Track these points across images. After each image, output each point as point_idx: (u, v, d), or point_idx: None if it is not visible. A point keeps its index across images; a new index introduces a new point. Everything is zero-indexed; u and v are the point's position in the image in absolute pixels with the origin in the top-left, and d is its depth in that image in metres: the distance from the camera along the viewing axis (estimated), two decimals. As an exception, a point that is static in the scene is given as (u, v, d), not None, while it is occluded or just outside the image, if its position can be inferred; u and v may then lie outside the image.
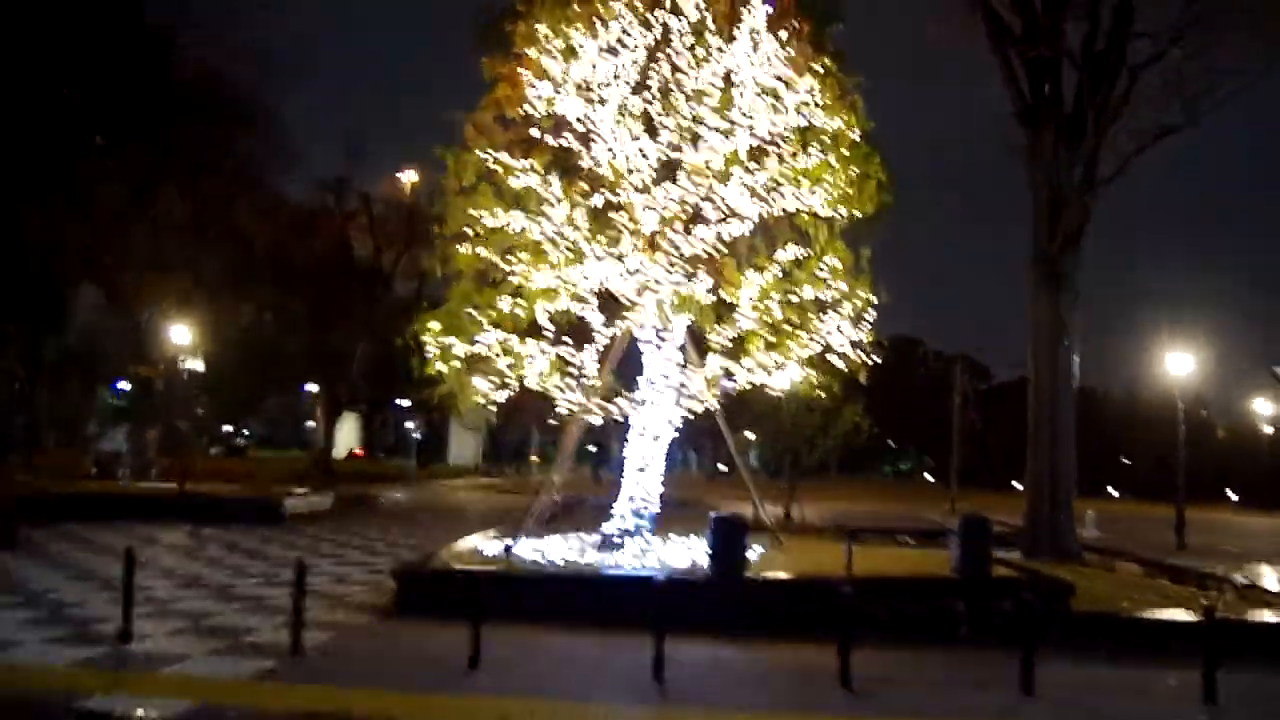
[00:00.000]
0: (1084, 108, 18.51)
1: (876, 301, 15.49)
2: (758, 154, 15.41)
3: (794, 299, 15.21)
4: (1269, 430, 55.99)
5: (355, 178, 51.19)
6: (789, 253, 15.62)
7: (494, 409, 16.31)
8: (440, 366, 15.49)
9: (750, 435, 38.14)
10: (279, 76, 40.65)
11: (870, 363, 15.57)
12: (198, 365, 41.68)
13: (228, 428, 72.85)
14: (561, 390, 15.50)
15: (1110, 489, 78.07)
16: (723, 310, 15.32)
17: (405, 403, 70.23)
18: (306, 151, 62.80)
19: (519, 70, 16.01)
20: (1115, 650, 11.45)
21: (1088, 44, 18.64)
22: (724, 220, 15.40)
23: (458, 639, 9.54)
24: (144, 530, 21.24)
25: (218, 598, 13.23)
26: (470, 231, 15.91)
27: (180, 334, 35.84)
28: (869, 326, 15.49)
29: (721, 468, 77.31)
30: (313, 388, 61.15)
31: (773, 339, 14.96)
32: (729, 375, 15.28)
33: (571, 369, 15.25)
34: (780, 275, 15.17)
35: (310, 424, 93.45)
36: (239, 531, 21.76)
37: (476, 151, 16.03)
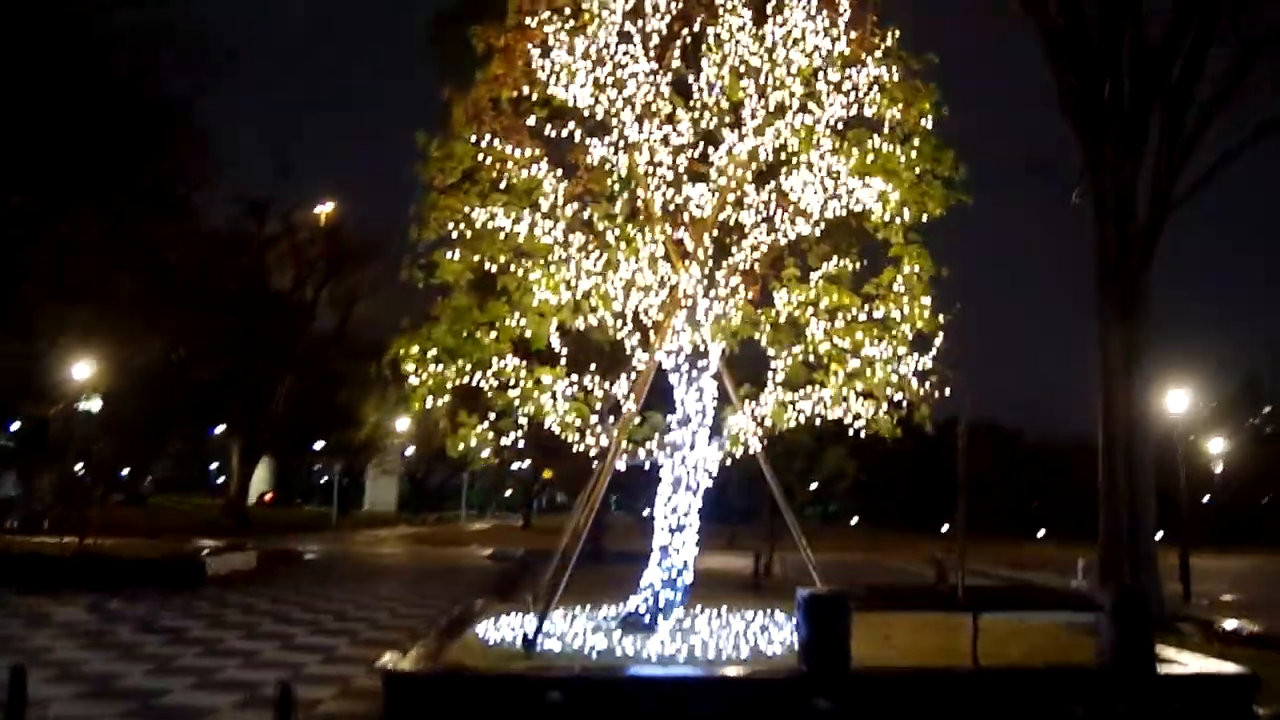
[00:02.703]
0: (1149, 110, 16.42)
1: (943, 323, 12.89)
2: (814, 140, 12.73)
3: (863, 316, 12.50)
4: (1219, 470, 55.41)
5: (279, 200, 47.24)
6: (846, 261, 13.00)
7: (491, 453, 13.15)
8: (428, 401, 12.39)
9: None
10: (200, 77, 36.32)
11: (934, 398, 12.89)
12: (96, 403, 37.24)
13: (127, 471, 67.18)
14: (583, 431, 12.50)
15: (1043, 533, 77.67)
16: (784, 331, 12.53)
17: (320, 444, 65.83)
18: (228, 169, 57.94)
19: (524, 42, 13.14)
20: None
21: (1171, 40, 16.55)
22: (776, 222, 12.65)
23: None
24: (34, 603, 17.39)
25: (143, 717, 9.75)
26: (457, 234, 12.97)
27: (81, 368, 31.67)
28: (936, 355, 12.84)
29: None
30: (221, 428, 56.63)
31: (847, 365, 12.20)
32: (794, 408, 12.46)
33: (596, 402, 12.28)
34: (851, 288, 12.45)
35: (214, 466, 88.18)
36: (153, 601, 18.04)
37: (467, 139, 13.17)
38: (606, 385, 12.48)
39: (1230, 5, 16.59)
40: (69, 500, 34.38)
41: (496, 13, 13.69)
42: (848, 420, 12.38)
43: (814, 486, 29.86)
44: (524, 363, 12.25)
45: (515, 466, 78.57)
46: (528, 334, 12.35)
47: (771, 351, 12.52)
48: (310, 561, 29.87)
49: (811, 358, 12.38)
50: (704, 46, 12.86)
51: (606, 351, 13.19)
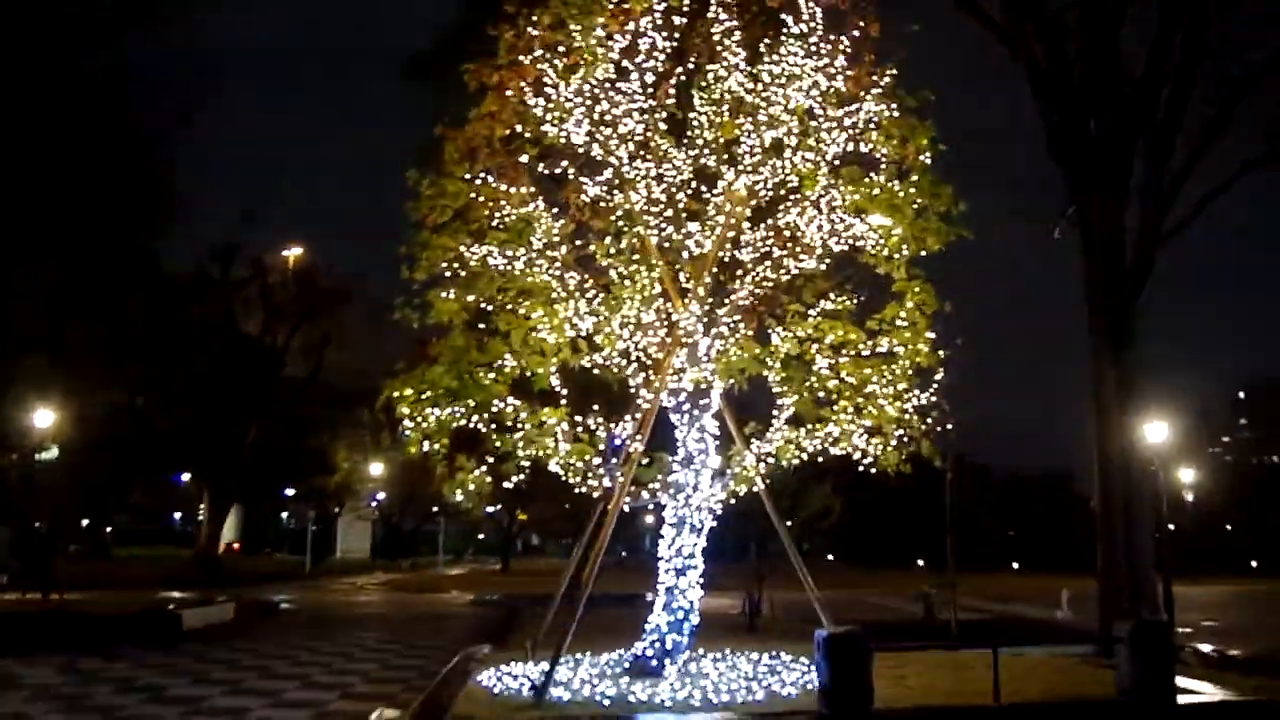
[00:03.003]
0: (1131, 149, 16.59)
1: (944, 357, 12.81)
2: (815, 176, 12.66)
3: (867, 352, 12.39)
4: (1190, 499, 56.03)
5: (248, 244, 46.57)
6: (845, 297, 12.92)
7: (487, 497, 12.82)
8: (424, 445, 12.08)
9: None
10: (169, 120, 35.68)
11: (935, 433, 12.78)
12: (54, 452, 36.27)
13: (87, 522, 65.51)
14: (585, 473, 12.22)
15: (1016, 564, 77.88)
16: (793, 368, 12.38)
17: (291, 491, 64.71)
18: (199, 213, 57.15)
19: (517, 79, 13.02)
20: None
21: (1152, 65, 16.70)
22: (775, 259, 12.55)
23: None
24: (1, 665, 16.68)
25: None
26: (450, 273, 12.77)
27: (39, 418, 30.85)
28: (938, 391, 12.74)
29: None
30: (187, 476, 55.51)
31: (855, 401, 12.05)
32: (798, 446, 12.27)
33: (600, 443, 12.04)
34: (854, 321, 12.35)
35: (178, 516, 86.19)
36: (130, 660, 17.35)
37: (460, 176, 13.04)
38: (610, 425, 12.24)
39: (1209, 48, 16.83)
40: (29, 554, 33.31)
41: (480, 51, 13.61)
42: (855, 456, 12.20)
43: (789, 524, 29.53)
44: (525, 404, 11.98)
45: (490, 510, 77.99)
46: (528, 374, 12.10)
47: (779, 388, 12.33)
48: (289, 612, 29.11)
49: (820, 393, 12.21)
50: (700, 84, 12.83)
51: (613, 390, 12.95)
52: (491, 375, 11.95)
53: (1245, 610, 36.55)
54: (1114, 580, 15.97)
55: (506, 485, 12.12)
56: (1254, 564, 76.46)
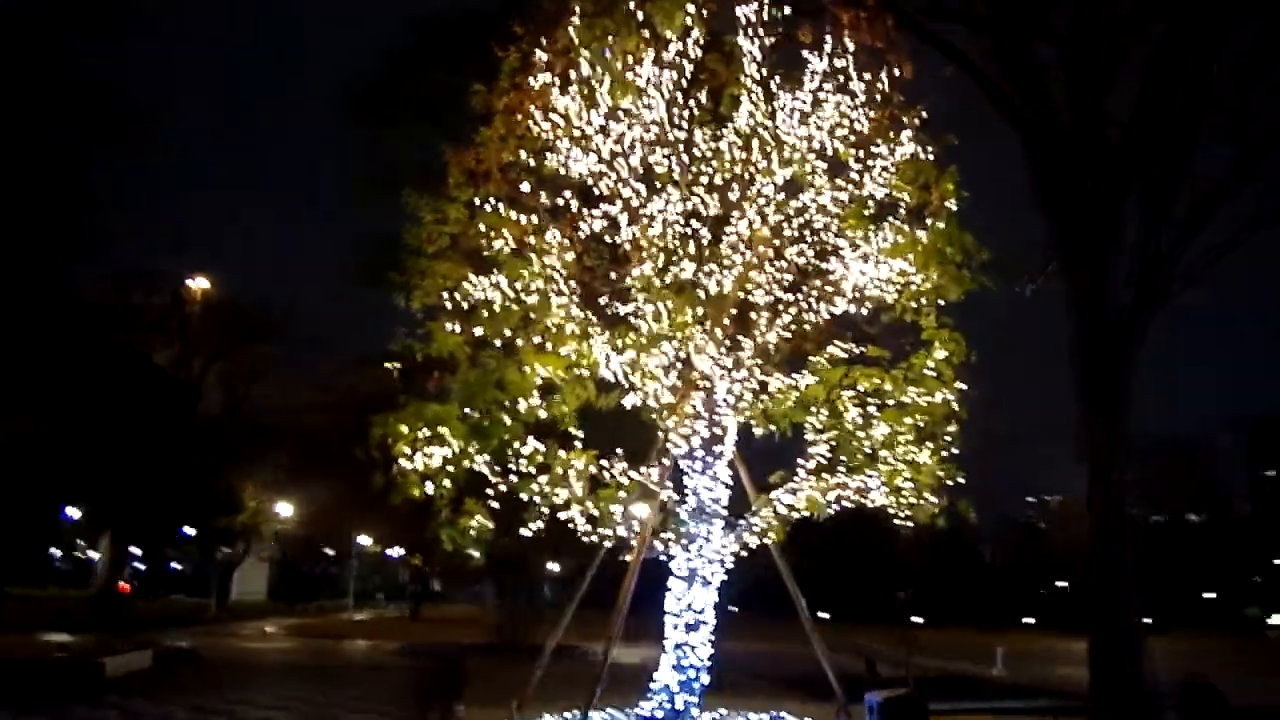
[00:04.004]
0: (1118, 209, 16.67)
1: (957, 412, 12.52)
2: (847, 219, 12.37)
3: (892, 403, 12.02)
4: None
5: (167, 275, 44.30)
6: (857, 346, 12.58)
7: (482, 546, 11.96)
8: (424, 487, 11.25)
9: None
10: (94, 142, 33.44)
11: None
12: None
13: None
14: (596, 521, 11.52)
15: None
16: (836, 416, 11.92)
17: (191, 530, 61.57)
18: (119, 241, 53.78)
19: (526, 103, 12.48)
20: None
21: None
22: (800, 302, 12.17)
23: None
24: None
25: None
26: (451, 304, 12.09)
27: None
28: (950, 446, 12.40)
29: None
30: (76, 511, 52.41)
31: (896, 450, 11.66)
32: (825, 496, 11.80)
33: (633, 489, 11.38)
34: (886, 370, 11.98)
35: (57, 552, 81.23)
36: (49, 713, 15.86)
37: (462, 202, 12.42)
38: (634, 472, 11.59)
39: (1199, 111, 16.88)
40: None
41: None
42: (892, 509, 11.76)
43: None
44: (553, 446, 11.24)
45: (392, 553, 75.33)
46: (545, 415, 11.40)
47: (811, 435, 11.84)
48: (209, 660, 27.25)
49: (853, 442, 11.76)
50: (720, 114, 12.46)
51: (639, 435, 12.30)
52: (504, 415, 11.18)
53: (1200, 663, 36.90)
54: (1106, 636, 15.86)
55: (525, 533, 11.31)
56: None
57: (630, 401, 11.89)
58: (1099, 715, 15.69)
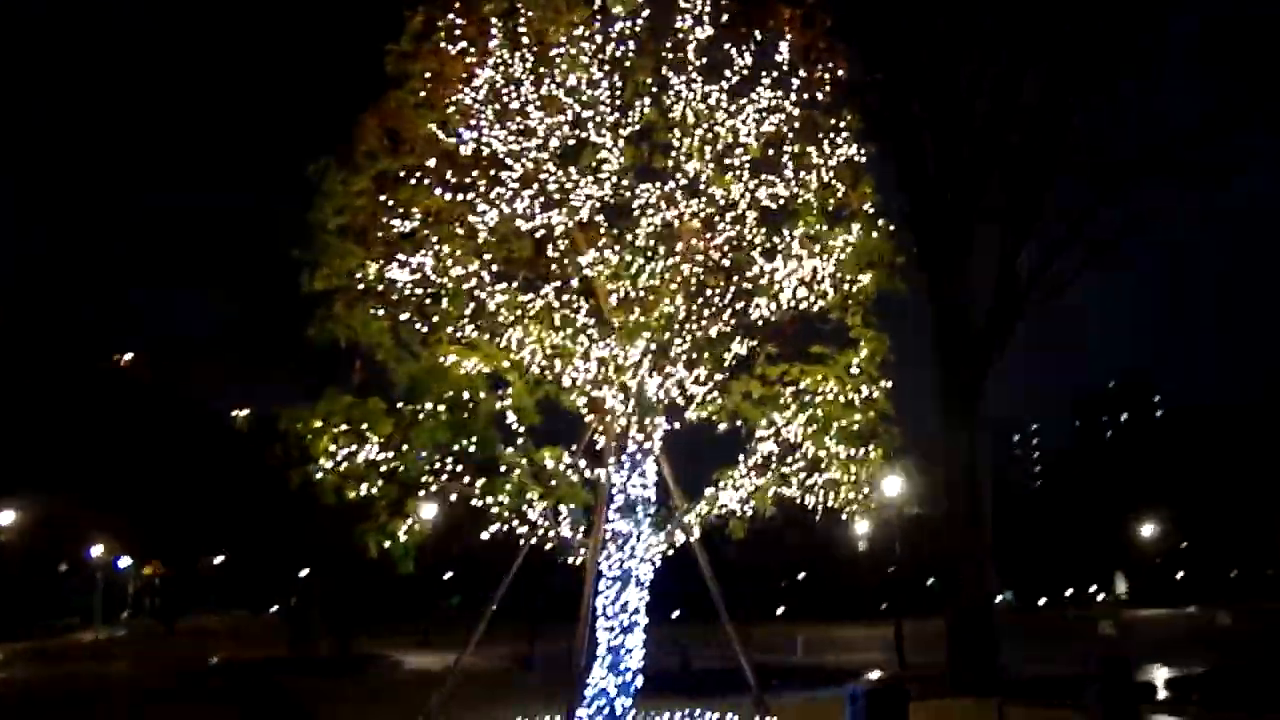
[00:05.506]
0: (968, 239, 17.82)
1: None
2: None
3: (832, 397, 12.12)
4: (863, 548, 61.08)
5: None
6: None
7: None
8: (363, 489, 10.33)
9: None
10: None
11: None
12: None
13: None
14: (539, 522, 10.97)
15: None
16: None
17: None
18: None
19: (444, 68, 11.79)
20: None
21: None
22: (735, 300, 12.11)
23: None
24: None
25: None
26: (363, 285, 11.30)
27: None
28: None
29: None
30: None
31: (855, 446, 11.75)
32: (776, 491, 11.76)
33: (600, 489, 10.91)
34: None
35: None
36: None
37: (371, 172, 11.62)
38: (606, 469, 11.13)
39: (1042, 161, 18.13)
40: None
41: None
42: (833, 505, 11.85)
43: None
44: (528, 441, 10.57)
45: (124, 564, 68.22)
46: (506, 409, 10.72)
47: (764, 431, 11.73)
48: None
49: (809, 441, 11.75)
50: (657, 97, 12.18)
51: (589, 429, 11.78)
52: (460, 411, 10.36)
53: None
54: (963, 626, 16.86)
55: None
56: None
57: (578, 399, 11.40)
58: (957, 692, 16.68)
